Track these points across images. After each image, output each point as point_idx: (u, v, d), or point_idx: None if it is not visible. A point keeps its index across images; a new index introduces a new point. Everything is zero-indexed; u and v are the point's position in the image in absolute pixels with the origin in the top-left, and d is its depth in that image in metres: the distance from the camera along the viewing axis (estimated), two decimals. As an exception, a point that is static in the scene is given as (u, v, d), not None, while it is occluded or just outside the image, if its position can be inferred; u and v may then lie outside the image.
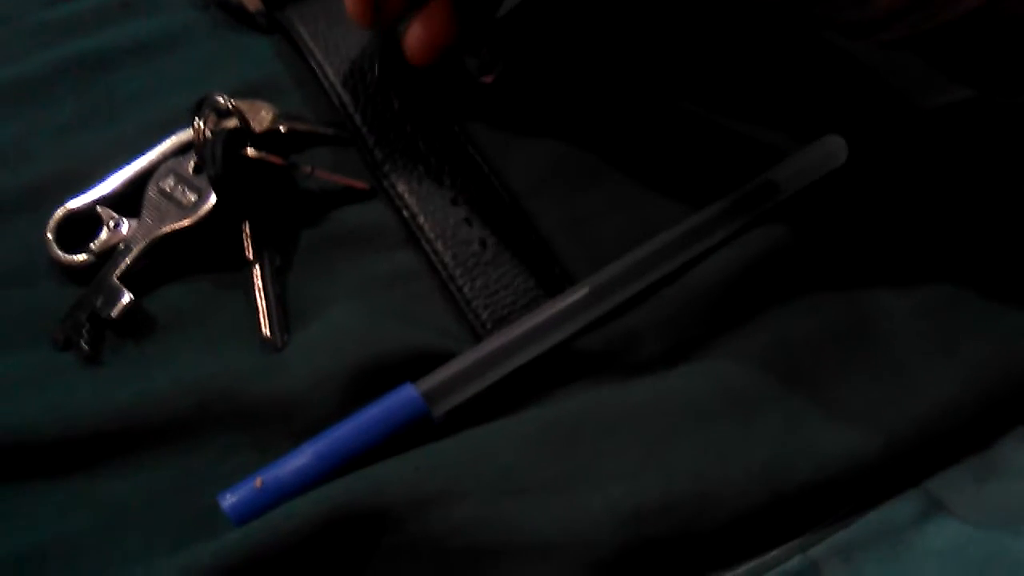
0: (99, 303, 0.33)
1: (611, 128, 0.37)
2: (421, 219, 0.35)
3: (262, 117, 0.37)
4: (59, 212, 0.35)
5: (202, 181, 0.35)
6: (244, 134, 0.35)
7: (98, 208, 0.35)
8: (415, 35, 0.35)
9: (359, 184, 0.36)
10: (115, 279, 0.33)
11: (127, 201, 0.35)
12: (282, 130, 0.37)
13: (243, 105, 0.36)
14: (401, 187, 0.35)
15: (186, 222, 0.34)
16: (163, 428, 0.31)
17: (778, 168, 0.34)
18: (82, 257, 0.34)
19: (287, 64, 0.39)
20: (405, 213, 0.35)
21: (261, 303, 0.33)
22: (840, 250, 0.33)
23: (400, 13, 0.35)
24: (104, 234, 0.35)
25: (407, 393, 0.30)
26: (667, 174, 0.36)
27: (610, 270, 0.33)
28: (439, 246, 0.34)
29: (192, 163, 0.35)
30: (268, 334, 0.33)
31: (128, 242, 0.34)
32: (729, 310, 0.32)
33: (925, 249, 0.33)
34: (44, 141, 0.38)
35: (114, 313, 0.33)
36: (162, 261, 0.35)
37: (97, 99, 0.39)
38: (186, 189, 0.35)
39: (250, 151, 0.35)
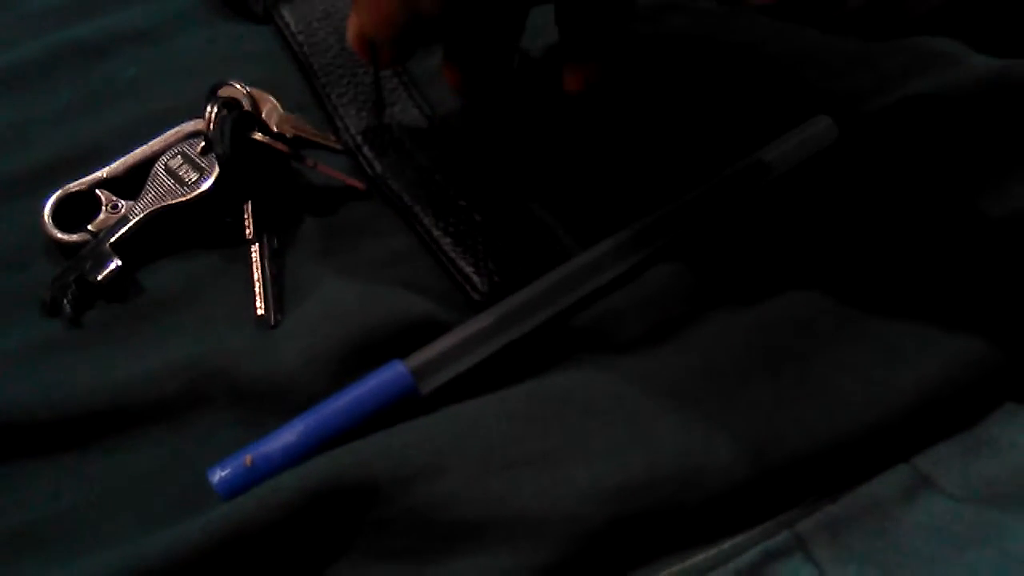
0: (88, 267, 0.33)
1: (603, 109, 0.37)
2: (417, 208, 0.35)
3: (268, 110, 0.37)
4: (58, 192, 0.35)
5: (208, 162, 0.35)
6: (253, 118, 0.36)
7: (97, 190, 0.35)
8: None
9: (359, 184, 0.36)
10: (107, 246, 0.34)
11: (127, 187, 0.36)
12: (287, 135, 0.37)
13: (254, 92, 0.37)
14: (398, 189, 0.36)
15: (184, 198, 0.35)
16: (155, 406, 0.31)
17: (768, 148, 0.34)
18: (78, 235, 0.35)
19: (284, 54, 0.40)
20: (401, 207, 0.36)
21: (257, 280, 0.34)
22: (828, 230, 0.33)
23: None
24: (102, 215, 0.35)
25: (395, 370, 0.30)
26: (659, 153, 0.36)
27: (600, 248, 0.33)
28: (431, 226, 0.35)
29: (201, 145, 0.36)
30: (262, 311, 0.33)
31: (126, 214, 0.35)
32: (714, 289, 0.32)
33: (915, 231, 0.33)
34: (42, 127, 0.38)
35: (100, 276, 0.33)
36: (159, 238, 0.35)
37: (95, 86, 0.39)
38: (190, 169, 0.35)
39: (258, 135, 0.36)
